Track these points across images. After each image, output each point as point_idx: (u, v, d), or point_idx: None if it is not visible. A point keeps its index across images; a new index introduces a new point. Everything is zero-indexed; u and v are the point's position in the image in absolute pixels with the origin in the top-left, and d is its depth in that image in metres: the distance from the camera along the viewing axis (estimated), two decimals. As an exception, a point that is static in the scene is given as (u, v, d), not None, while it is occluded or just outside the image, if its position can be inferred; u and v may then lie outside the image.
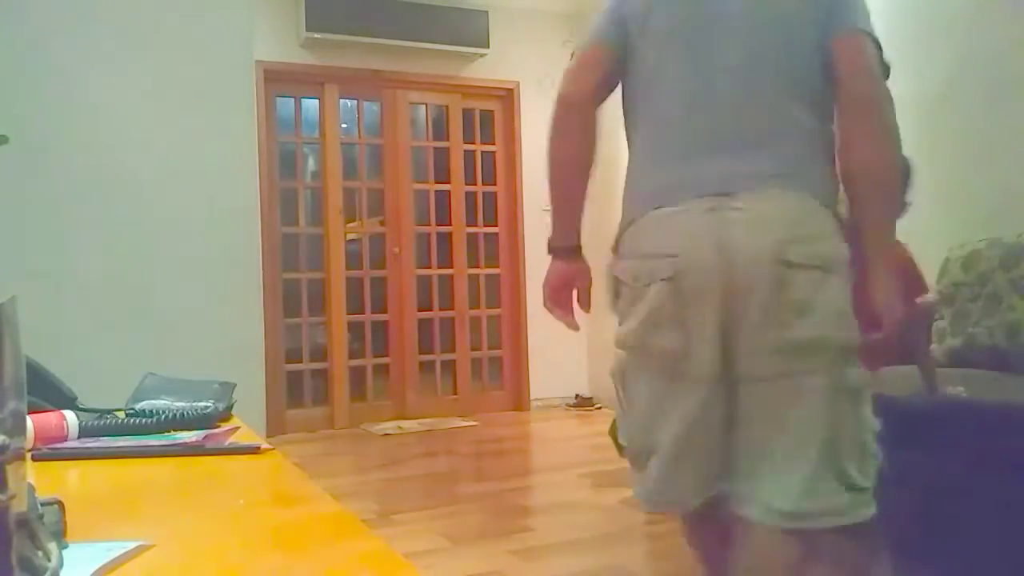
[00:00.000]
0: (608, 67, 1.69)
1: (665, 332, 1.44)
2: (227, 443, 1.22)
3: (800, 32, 1.48)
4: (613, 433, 2.18)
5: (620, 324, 1.63)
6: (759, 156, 1.42)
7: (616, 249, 1.65)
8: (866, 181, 1.48)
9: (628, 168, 1.67)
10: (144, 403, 1.46)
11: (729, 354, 1.37)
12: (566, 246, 1.80)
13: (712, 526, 1.55)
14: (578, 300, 1.83)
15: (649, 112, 1.59)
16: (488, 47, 5.55)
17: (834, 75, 1.50)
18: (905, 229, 3.60)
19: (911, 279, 1.98)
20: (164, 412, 1.35)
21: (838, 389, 1.38)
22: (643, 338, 1.51)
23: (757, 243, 1.35)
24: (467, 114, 5.80)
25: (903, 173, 1.73)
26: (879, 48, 1.57)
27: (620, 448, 1.68)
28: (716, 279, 1.36)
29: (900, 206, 1.67)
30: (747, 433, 1.40)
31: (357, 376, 5.38)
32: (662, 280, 1.42)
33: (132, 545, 0.68)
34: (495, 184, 5.87)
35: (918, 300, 2.09)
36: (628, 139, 1.69)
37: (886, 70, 1.61)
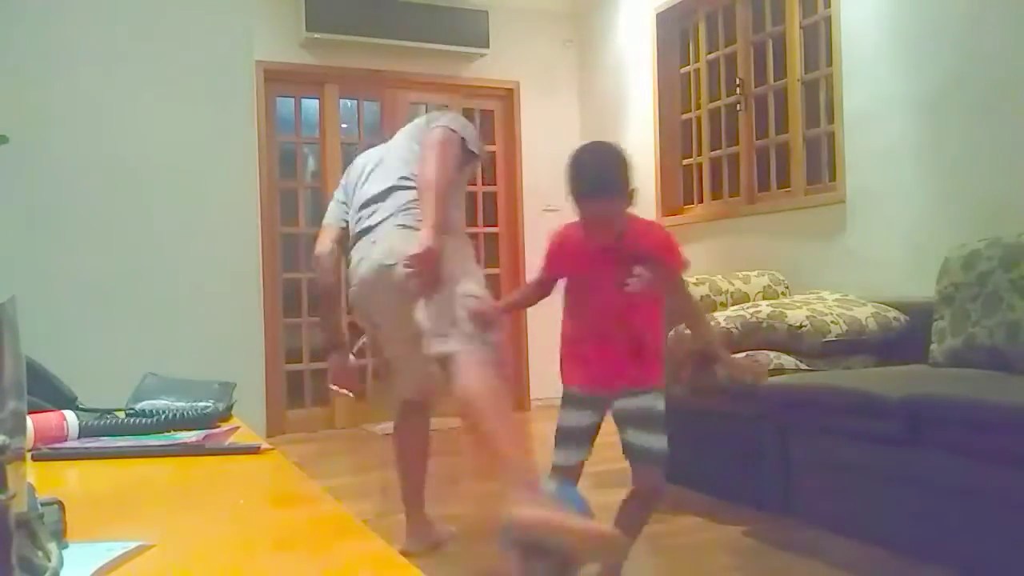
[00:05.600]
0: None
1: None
2: (227, 443, 1.22)
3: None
4: None
5: None
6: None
7: None
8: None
9: None
10: (144, 403, 1.46)
11: None
12: (335, 344, 2.68)
13: None
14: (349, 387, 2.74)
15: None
16: (488, 47, 5.55)
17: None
18: (906, 229, 3.63)
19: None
20: (164, 412, 1.35)
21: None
22: None
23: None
24: (467, 114, 5.79)
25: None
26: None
27: None
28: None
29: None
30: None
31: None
32: None
33: (132, 545, 0.68)
34: (495, 184, 5.87)
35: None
36: None
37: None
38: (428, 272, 2.25)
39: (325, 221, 2.65)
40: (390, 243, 2.37)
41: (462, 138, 2.41)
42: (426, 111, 5.72)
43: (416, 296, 2.27)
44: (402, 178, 2.46)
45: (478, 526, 3.07)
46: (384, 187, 2.49)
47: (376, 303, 2.46)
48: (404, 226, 2.37)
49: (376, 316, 2.51)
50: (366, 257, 2.42)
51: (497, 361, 2.34)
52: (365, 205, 2.52)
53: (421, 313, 2.27)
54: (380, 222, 2.44)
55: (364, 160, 2.66)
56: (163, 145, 2.62)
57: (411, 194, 2.40)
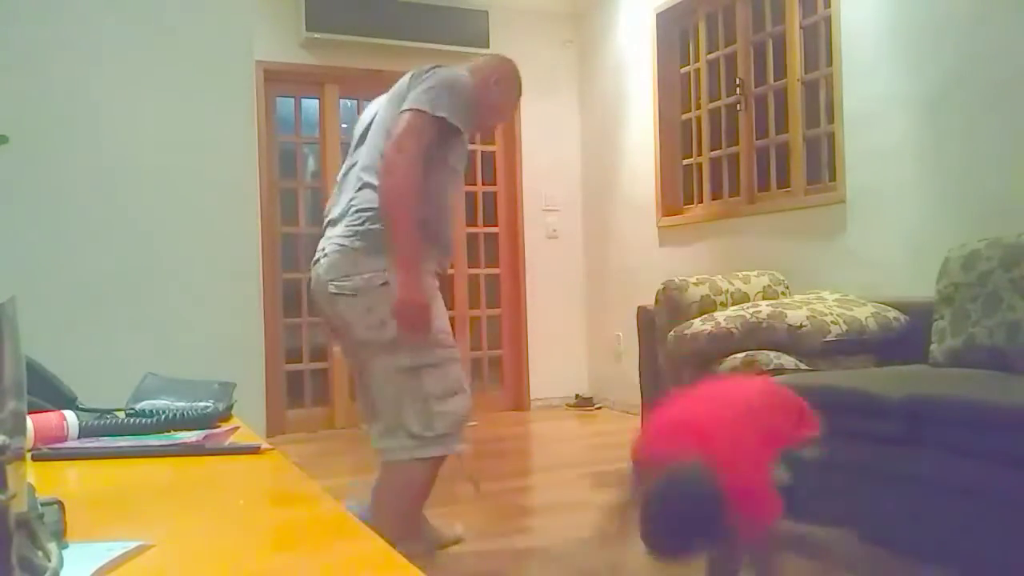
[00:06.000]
0: None
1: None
2: (227, 443, 1.22)
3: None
4: None
5: None
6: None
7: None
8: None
9: None
10: (144, 403, 1.46)
11: None
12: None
13: None
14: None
15: None
16: (488, 47, 5.54)
17: None
18: (906, 229, 3.63)
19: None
20: (164, 412, 1.35)
21: (395, 369, 2.17)
22: None
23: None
24: (467, 114, 5.79)
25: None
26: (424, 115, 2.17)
27: None
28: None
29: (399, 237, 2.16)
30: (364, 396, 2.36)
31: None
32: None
33: (132, 545, 0.68)
34: (495, 184, 5.87)
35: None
36: None
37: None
38: (418, 326, 2.15)
39: None
40: (329, 262, 2.22)
41: (436, 116, 2.15)
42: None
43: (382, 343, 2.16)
44: (364, 169, 2.27)
45: (478, 526, 3.07)
46: (348, 173, 2.37)
47: (328, 316, 2.30)
48: (342, 246, 2.20)
49: (333, 323, 2.32)
50: (316, 265, 2.28)
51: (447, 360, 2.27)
52: (337, 183, 2.42)
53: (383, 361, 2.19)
54: (329, 223, 2.32)
55: (365, 115, 2.49)
56: (163, 145, 2.62)
57: (366, 197, 2.21)
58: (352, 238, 2.19)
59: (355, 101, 5.54)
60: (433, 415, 2.16)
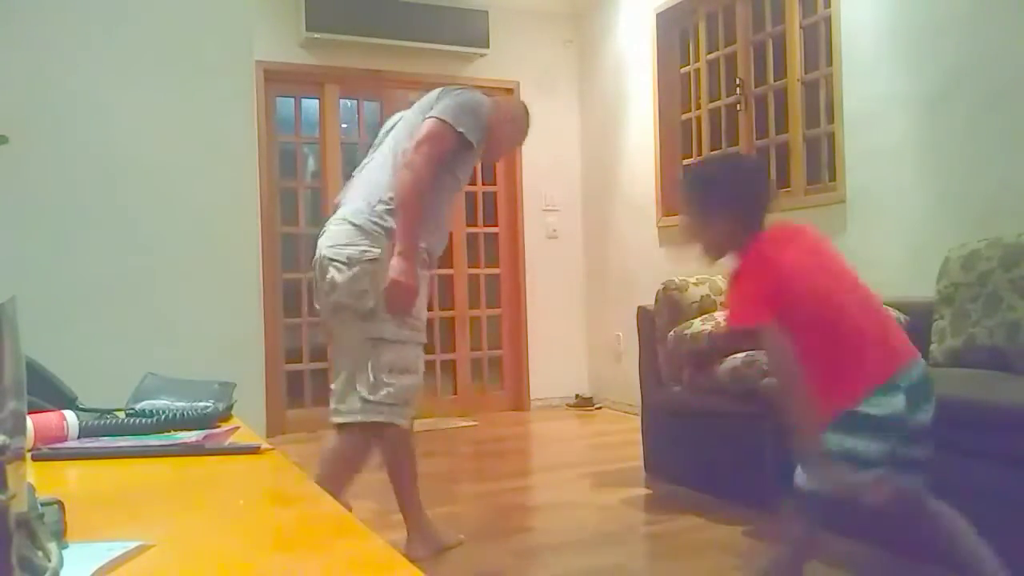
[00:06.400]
0: None
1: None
2: (227, 443, 1.22)
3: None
4: None
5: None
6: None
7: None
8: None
9: None
10: (144, 403, 1.46)
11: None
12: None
13: None
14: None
15: None
16: (488, 47, 5.55)
17: None
18: (906, 229, 3.63)
19: None
20: (164, 412, 1.35)
21: (362, 338, 2.35)
22: None
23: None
24: (467, 114, 5.79)
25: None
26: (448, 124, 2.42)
27: None
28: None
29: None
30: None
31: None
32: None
33: (132, 545, 0.68)
34: (495, 184, 5.87)
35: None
36: None
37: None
38: (404, 308, 2.36)
39: None
40: (329, 233, 2.45)
41: (457, 130, 2.40)
42: (426, 111, 5.73)
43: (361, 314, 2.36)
44: (380, 166, 2.51)
45: (478, 526, 3.07)
46: (368, 164, 2.60)
47: (320, 285, 2.45)
48: (343, 220, 2.43)
49: (323, 290, 2.44)
50: (320, 237, 2.48)
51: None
52: (352, 178, 2.64)
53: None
54: (336, 206, 2.54)
55: (389, 122, 2.76)
56: (163, 145, 2.62)
57: (376, 186, 2.45)
58: (354, 215, 2.41)
59: (355, 101, 5.54)
60: (381, 384, 2.35)
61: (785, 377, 1.80)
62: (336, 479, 2.37)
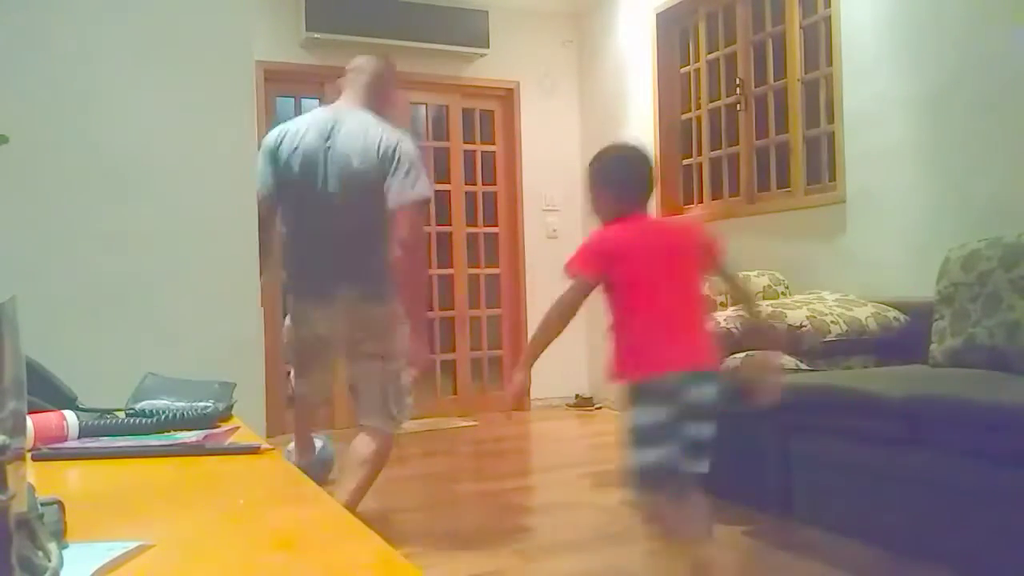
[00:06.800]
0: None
1: None
2: (227, 443, 1.22)
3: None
4: None
5: None
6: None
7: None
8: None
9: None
10: (144, 403, 1.46)
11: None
12: None
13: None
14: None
15: None
16: (488, 47, 5.55)
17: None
18: (906, 229, 3.63)
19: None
20: (164, 412, 1.35)
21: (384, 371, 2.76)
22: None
23: None
24: (467, 114, 5.80)
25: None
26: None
27: None
28: None
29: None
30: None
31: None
32: None
33: (132, 545, 0.68)
34: (495, 184, 5.87)
35: None
36: None
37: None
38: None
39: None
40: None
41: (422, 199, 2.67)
42: (426, 111, 5.73)
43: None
44: (368, 232, 2.76)
45: (478, 526, 3.07)
46: (334, 206, 2.76)
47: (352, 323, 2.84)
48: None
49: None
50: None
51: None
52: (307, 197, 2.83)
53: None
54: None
55: (323, 122, 2.78)
56: (162, 145, 2.61)
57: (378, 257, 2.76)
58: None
59: (355, 101, 5.53)
60: (404, 405, 2.80)
61: (546, 317, 2.18)
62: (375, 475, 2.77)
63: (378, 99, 2.81)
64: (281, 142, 2.81)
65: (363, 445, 2.76)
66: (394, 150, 2.64)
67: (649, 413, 1.92)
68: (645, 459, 1.92)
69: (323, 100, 5.34)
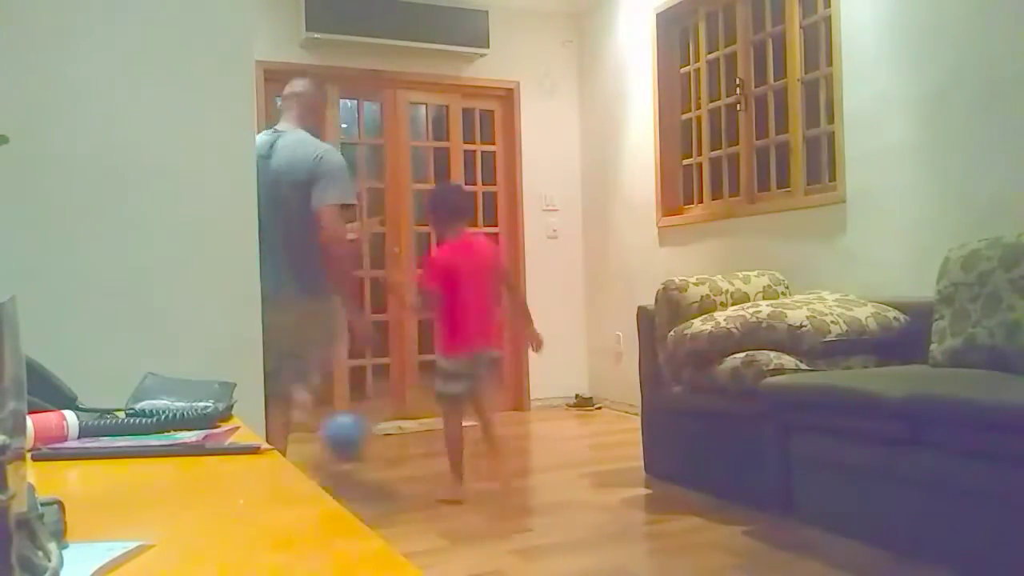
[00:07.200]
0: None
1: None
2: (227, 443, 1.22)
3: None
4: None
5: None
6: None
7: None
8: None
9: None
10: (144, 403, 1.46)
11: None
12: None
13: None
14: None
15: None
16: (488, 47, 5.55)
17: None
18: (906, 229, 3.63)
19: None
20: (164, 412, 1.35)
21: None
22: None
23: None
24: (467, 114, 5.80)
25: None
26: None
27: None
28: None
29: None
30: None
31: (357, 376, 5.38)
32: None
33: (132, 545, 0.68)
34: (495, 184, 5.87)
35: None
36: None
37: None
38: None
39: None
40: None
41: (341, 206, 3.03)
42: (426, 111, 5.74)
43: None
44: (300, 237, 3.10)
45: (478, 526, 3.08)
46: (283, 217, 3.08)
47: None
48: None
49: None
50: None
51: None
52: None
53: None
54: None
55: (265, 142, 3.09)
56: (162, 145, 2.62)
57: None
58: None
59: (355, 101, 5.54)
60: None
61: (423, 305, 3.64)
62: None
63: (312, 117, 3.23)
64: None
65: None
66: (318, 161, 3.03)
67: (455, 366, 3.40)
68: (449, 389, 3.43)
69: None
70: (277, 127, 3.20)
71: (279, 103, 3.33)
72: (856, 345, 3.03)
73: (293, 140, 3.09)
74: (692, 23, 4.93)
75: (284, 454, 3.02)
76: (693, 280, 3.54)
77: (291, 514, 0.87)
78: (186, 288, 2.63)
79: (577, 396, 5.83)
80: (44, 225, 2.48)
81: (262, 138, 3.06)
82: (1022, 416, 2.03)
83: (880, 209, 3.56)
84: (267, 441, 3.19)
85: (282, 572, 0.68)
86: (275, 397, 3.21)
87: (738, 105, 4.50)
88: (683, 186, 5.05)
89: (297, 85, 3.29)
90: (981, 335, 2.65)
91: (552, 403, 5.84)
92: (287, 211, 2.99)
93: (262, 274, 2.98)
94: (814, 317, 3.00)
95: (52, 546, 0.59)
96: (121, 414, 1.41)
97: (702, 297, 3.47)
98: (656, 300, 3.58)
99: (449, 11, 5.42)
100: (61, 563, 0.58)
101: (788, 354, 2.97)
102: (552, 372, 5.83)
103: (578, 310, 5.91)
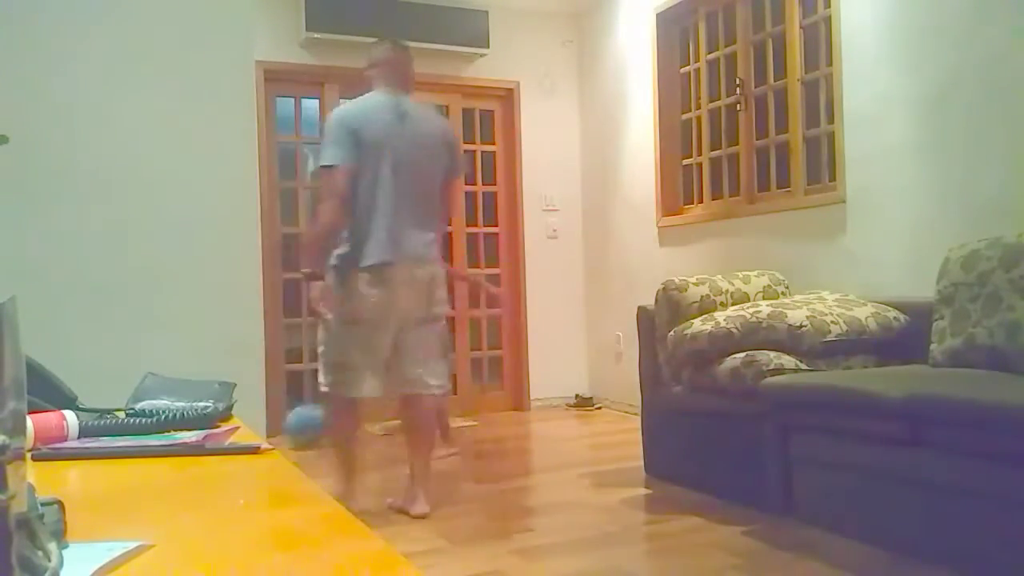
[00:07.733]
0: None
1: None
2: (227, 443, 1.22)
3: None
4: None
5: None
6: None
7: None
8: None
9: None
10: (144, 403, 1.46)
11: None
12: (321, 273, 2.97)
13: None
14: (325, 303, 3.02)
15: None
16: (488, 47, 5.55)
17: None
18: (906, 229, 3.63)
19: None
20: (164, 412, 1.35)
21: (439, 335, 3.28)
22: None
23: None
24: (467, 114, 5.80)
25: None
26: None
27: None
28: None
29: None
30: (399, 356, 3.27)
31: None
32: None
33: (132, 545, 0.68)
34: (495, 184, 5.87)
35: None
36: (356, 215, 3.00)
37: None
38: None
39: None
40: (426, 244, 3.29)
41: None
42: (426, 111, 5.73)
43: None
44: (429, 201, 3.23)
45: (478, 526, 3.08)
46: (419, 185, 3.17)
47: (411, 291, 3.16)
48: (432, 235, 3.28)
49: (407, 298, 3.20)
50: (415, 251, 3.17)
51: None
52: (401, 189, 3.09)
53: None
54: (415, 224, 3.19)
55: (417, 128, 3.11)
56: (163, 145, 2.62)
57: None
58: (433, 235, 3.16)
59: (355, 101, 5.53)
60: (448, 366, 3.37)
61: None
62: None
63: (408, 84, 3.20)
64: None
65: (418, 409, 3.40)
66: (451, 135, 3.21)
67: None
68: None
69: (322, 100, 5.35)
70: (384, 91, 3.10)
71: (368, 71, 3.18)
72: (856, 345, 3.03)
73: (421, 109, 3.20)
74: (692, 23, 4.93)
75: (353, 456, 3.25)
76: (693, 280, 3.54)
77: (291, 514, 0.87)
78: (186, 288, 2.63)
79: (577, 396, 5.83)
80: (44, 225, 2.48)
81: (379, 100, 3.05)
82: (1022, 416, 2.03)
83: (880, 209, 3.56)
84: (333, 437, 3.30)
85: (282, 572, 0.68)
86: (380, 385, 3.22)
87: (738, 105, 4.50)
88: (683, 186, 5.05)
89: (386, 50, 3.22)
90: (981, 335, 2.65)
91: (552, 403, 5.84)
92: (425, 178, 3.05)
93: (373, 238, 2.98)
94: (814, 317, 3.00)
95: (52, 546, 0.59)
96: (121, 414, 1.41)
97: (702, 297, 3.47)
98: (656, 300, 3.58)
99: (449, 11, 5.42)
100: (61, 563, 0.58)
101: (788, 354, 2.97)
102: (552, 372, 5.84)
103: (578, 310, 5.91)
